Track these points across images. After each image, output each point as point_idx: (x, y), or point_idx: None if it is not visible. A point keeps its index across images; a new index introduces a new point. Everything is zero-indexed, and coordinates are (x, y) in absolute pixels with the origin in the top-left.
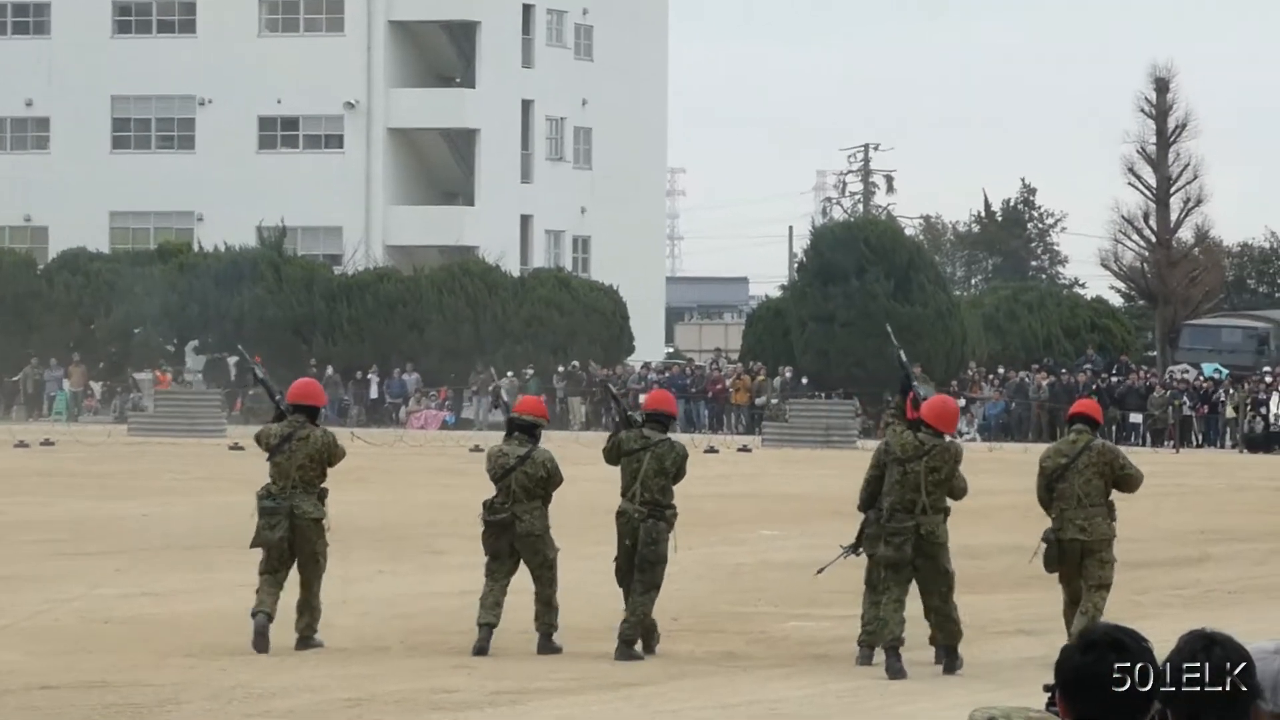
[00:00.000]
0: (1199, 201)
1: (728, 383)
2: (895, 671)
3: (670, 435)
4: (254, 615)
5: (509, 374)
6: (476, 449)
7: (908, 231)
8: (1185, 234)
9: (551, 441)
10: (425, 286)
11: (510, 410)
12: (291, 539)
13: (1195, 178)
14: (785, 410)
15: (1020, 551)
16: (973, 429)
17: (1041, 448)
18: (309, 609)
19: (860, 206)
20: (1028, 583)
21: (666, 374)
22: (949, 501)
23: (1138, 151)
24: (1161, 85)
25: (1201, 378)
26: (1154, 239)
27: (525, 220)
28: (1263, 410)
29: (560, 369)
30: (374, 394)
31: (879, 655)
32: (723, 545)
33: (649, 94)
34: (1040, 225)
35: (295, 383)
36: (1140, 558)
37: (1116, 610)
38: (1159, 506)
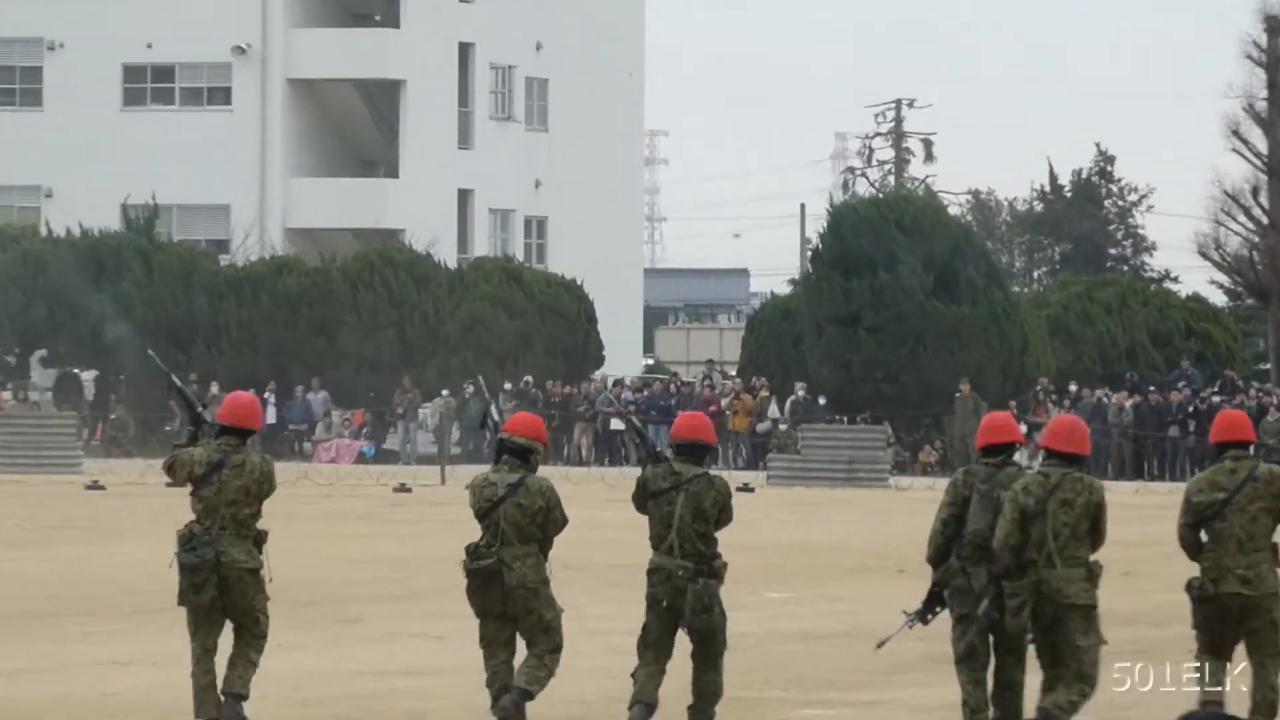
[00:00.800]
0: None
1: (723, 404)
2: None
3: (708, 470)
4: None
5: (443, 393)
6: (402, 488)
7: (952, 211)
8: None
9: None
10: (337, 281)
11: (499, 430)
12: (223, 597)
13: None
14: (796, 438)
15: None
16: (1035, 462)
17: (1121, 487)
18: (248, 663)
19: (891, 179)
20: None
21: (645, 392)
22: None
23: (1244, 109)
24: (1274, 25)
25: None
26: (1265, 220)
27: (464, 196)
28: None
29: (508, 386)
30: (271, 418)
31: None
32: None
33: (621, 37)
34: (1121, 203)
35: (227, 398)
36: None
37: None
38: None
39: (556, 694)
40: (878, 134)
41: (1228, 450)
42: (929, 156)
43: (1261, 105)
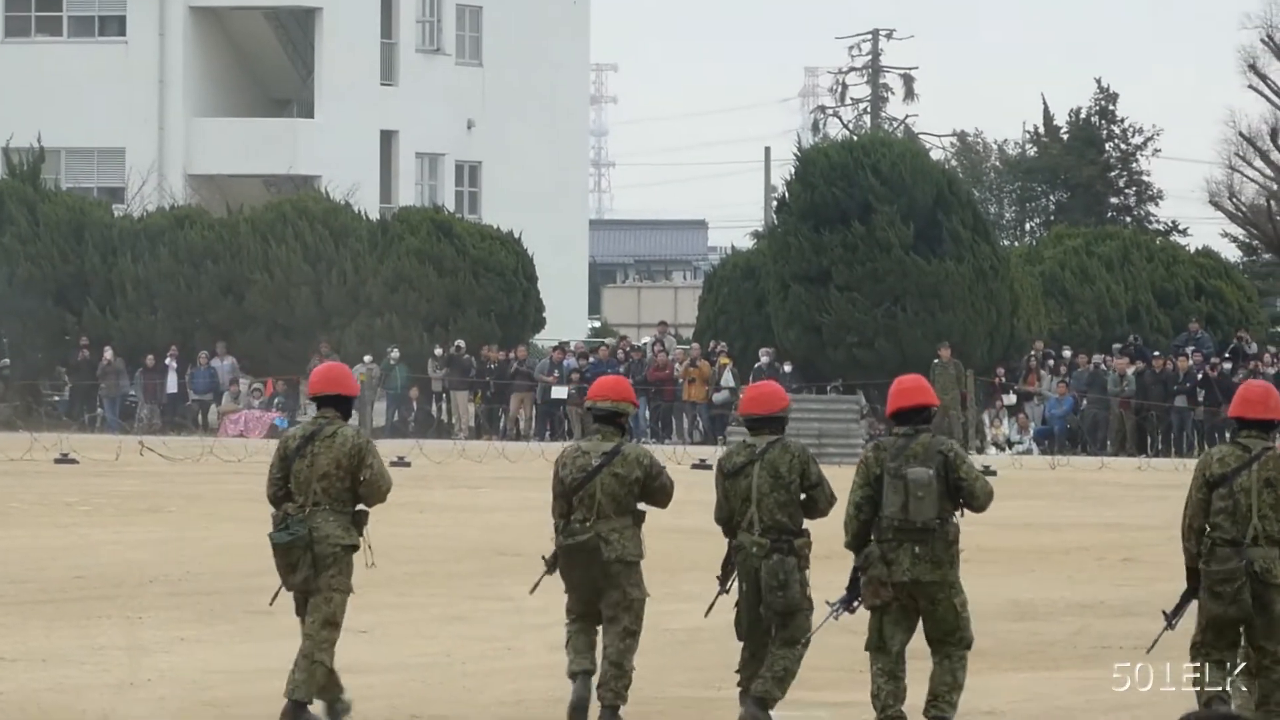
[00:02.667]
0: None
1: (677, 370)
2: None
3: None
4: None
5: (365, 359)
6: None
7: (934, 155)
8: None
9: (432, 457)
10: (245, 233)
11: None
12: (317, 576)
13: None
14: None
15: (1095, 612)
16: (1027, 437)
17: (1121, 464)
18: (311, 664)
19: (866, 119)
20: (1105, 655)
21: (590, 359)
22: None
23: (1262, 41)
24: None
25: None
26: None
27: (387, 139)
28: None
29: (438, 351)
30: (172, 387)
31: None
32: (673, 603)
33: None
34: (1123, 147)
35: (317, 369)
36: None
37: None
38: None
39: (491, 695)
40: (852, 69)
41: (1247, 428)
42: (909, 94)
43: None
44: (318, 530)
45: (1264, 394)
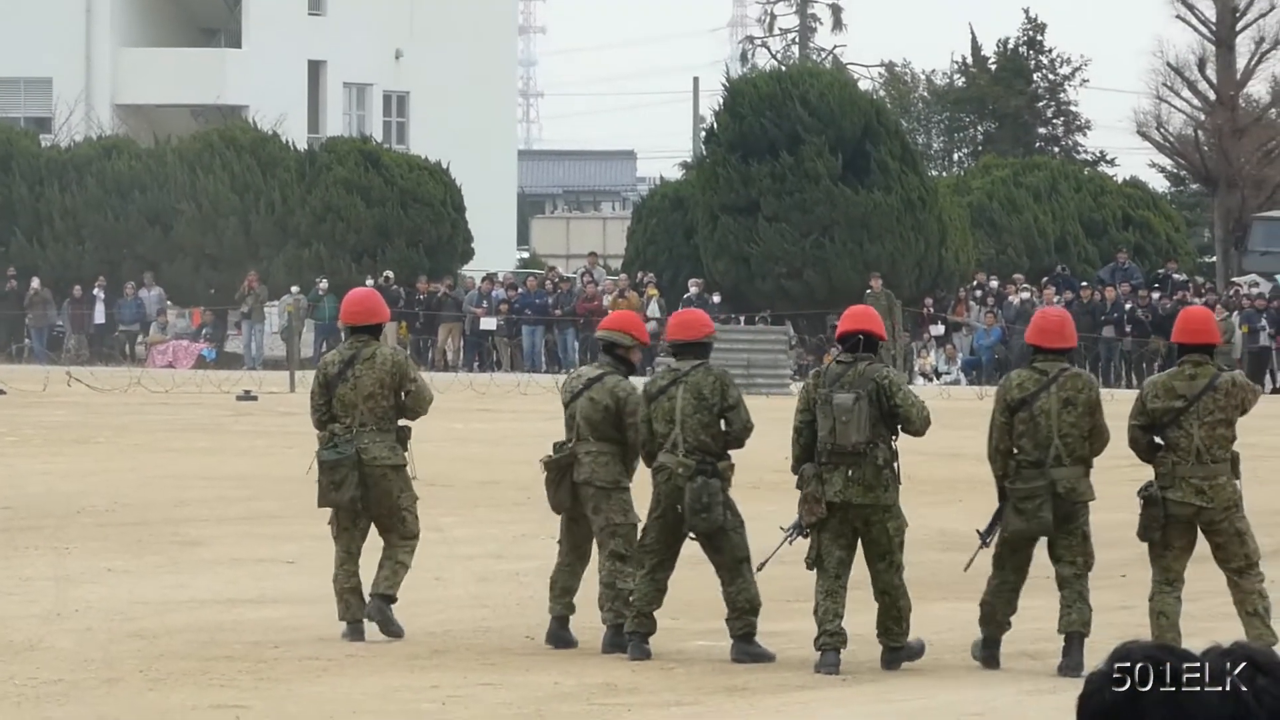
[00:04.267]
0: (1278, 43)
1: (606, 301)
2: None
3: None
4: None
5: (292, 290)
6: (247, 396)
7: (862, 86)
8: (1258, 89)
9: None
10: (172, 164)
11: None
12: (365, 496)
13: (1272, 8)
14: None
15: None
16: (955, 367)
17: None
18: (395, 564)
19: (795, 50)
20: (1034, 587)
21: (519, 290)
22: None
23: None
24: None
25: (1278, 294)
26: (1213, 96)
27: (315, 69)
28: None
29: (369, 281)
30: (99, 318)
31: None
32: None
33: None
34: (1051, 77)
35: (347, 296)
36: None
37: (1147, 621)
38: None
39: (419, 625)
40: None
41: (1189, 353)
42: (837, 24)
43: None
44: (365, 451)
45: (1060, 323)
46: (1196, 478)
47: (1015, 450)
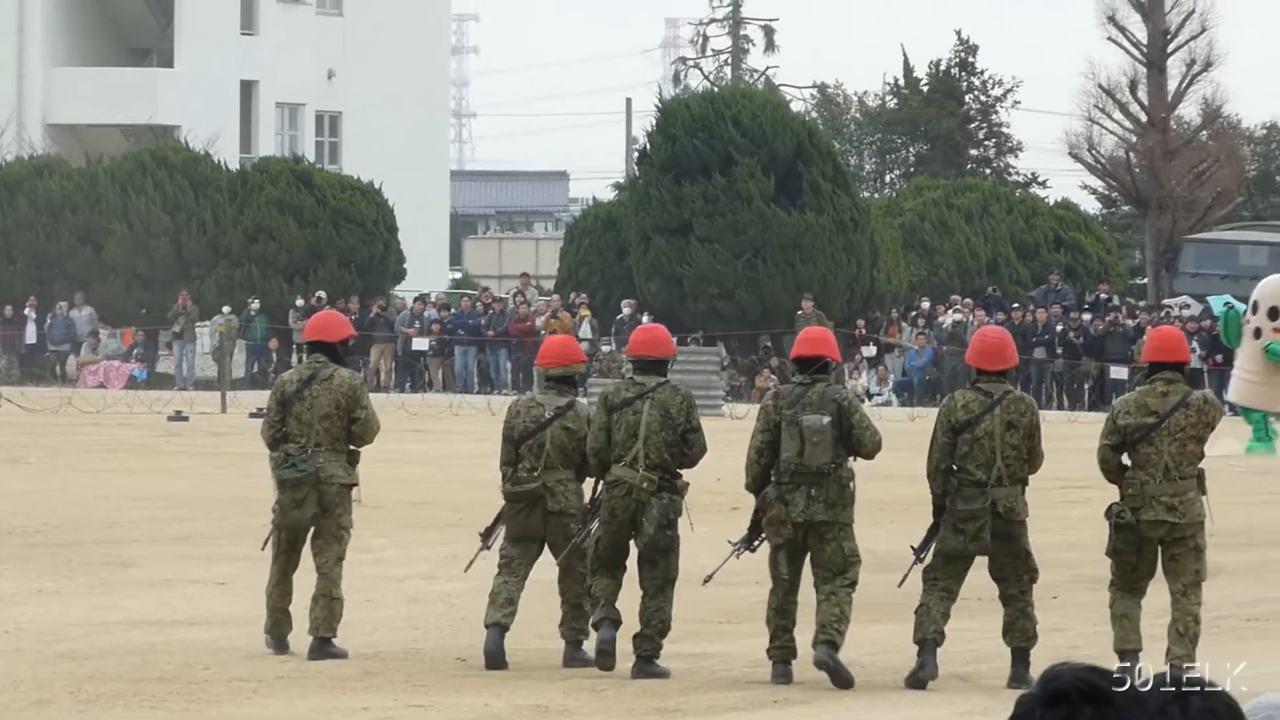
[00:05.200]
0: (1208, 65)
1: (538, 322)
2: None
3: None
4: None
5: (224, 310)
6: (178, 417)
7: (795, 107)
8: (1189, 111)
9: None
10: (104, 184)
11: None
12: (320, 515)
13: (1203, 30)
14: (620, 361)
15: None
16: (887, 389)
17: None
18: (330, 600)
19: (727, 71)
20: (965, 609)
21: (452, 311)
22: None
23: None
24: None
25: (1212, 315)
26: (1145, 118)
27: (247, 89)
28: None
29: (299, 302)
30: (30, 338)
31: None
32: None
33: None
34: (983, 98)
35: (312, 317)
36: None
37: (1079, 643)
38: None
39: (349, 646)
40: (713, 20)
41: (1160, 371)
42: (770, 46)
43: None
44: (323, 470)
45: (1000, 344)
46: (1166, 495)
47: (956, 469)
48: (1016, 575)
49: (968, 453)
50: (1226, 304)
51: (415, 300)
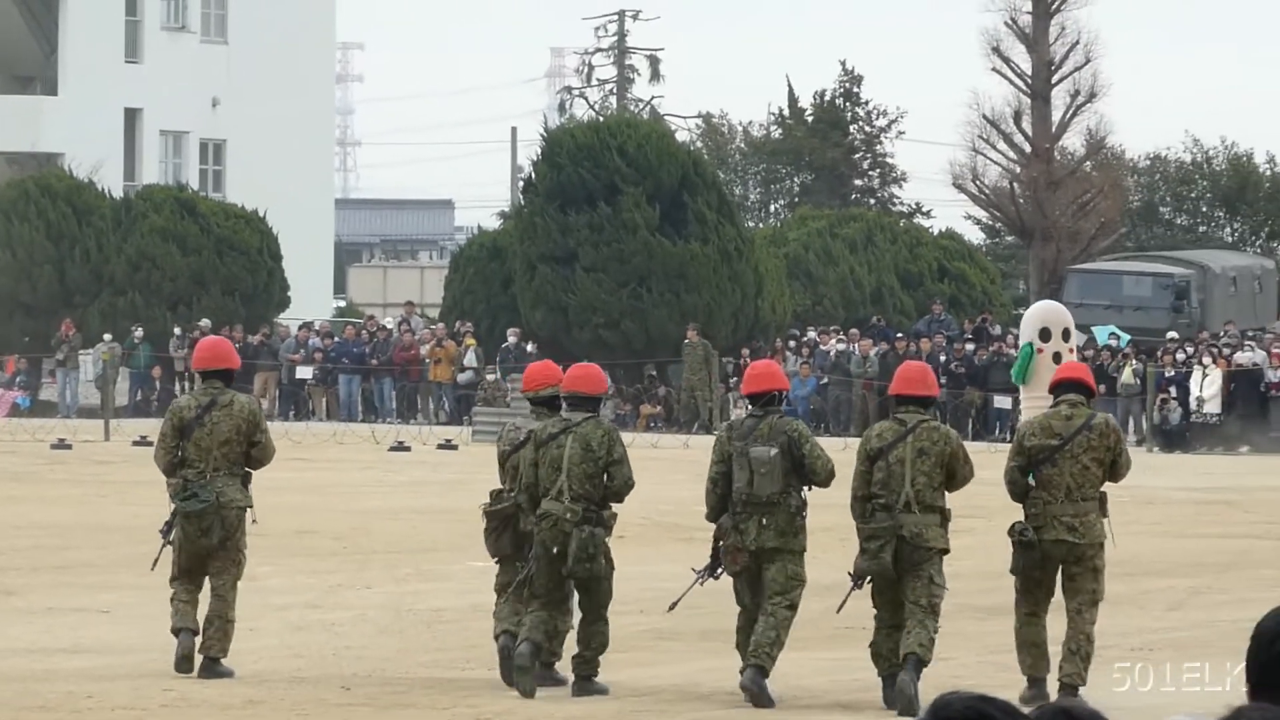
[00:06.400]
0: (1093, 96)
1: (423, 351)
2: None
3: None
4: (178, 633)
5: (106, 338)
6: (61, 445)
7: (680, 137)
8: (1073, 142)
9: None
10: None
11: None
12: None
13: (1087, 61)
14: (506, 390)
15: (834, 593)
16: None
17: None
18: (224, 623)
19: (613, 100)
20: (844, 637)
21: (336, 339)
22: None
23: (1006, 24)
24: None
25: (1095, 346)
26: (1029, 149)
27: (132, 117)
28: (1175, 393)
29: (178, 331)
30: None
31: None
32: (416, 582)
33: None
34: (868, 129)
35: (200, 344)
36: (1009, 600)
37: (965, 675)
38: None
39: (236, 674)
40: (598, 49)
41: (1064, 393)
42: (655, 76)
43: (1026, 20)
44: (223, 495)
45: (922, 373)
46: (1067, 515)
47: (871, 496)
48: (916, 598)
49: (880, 479)
50: (1112, 334)
51: (299, 328)
